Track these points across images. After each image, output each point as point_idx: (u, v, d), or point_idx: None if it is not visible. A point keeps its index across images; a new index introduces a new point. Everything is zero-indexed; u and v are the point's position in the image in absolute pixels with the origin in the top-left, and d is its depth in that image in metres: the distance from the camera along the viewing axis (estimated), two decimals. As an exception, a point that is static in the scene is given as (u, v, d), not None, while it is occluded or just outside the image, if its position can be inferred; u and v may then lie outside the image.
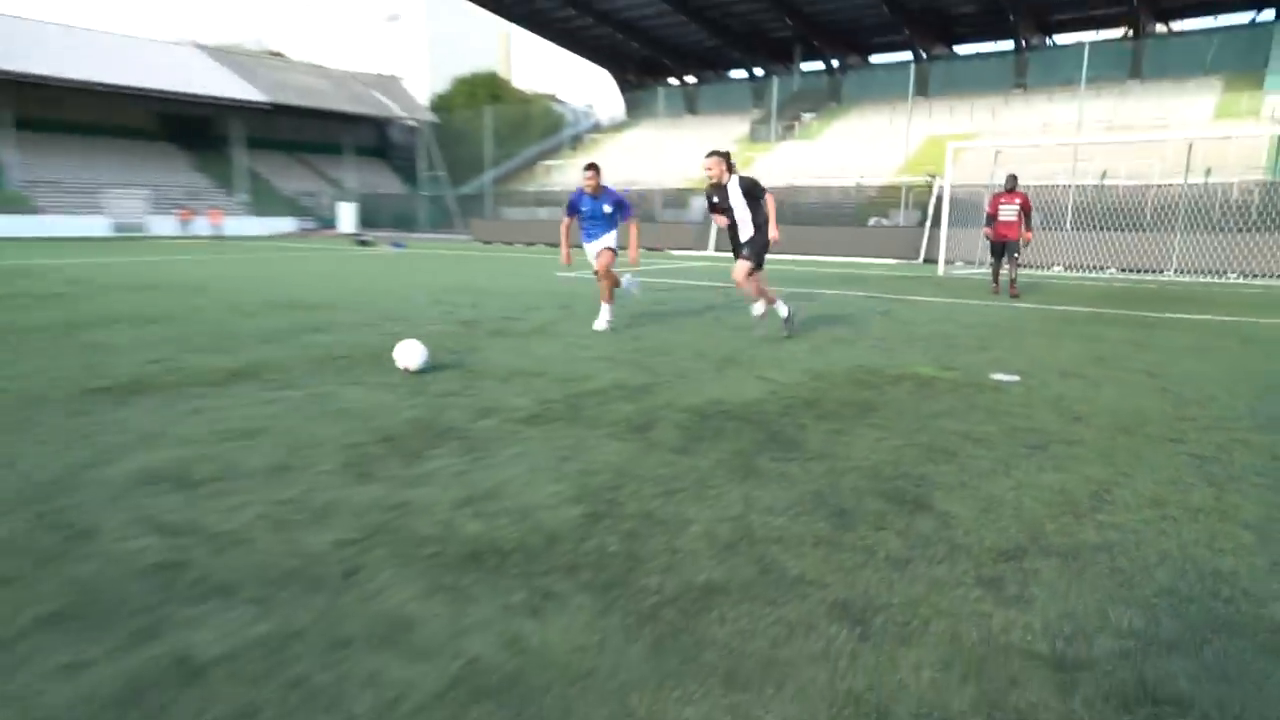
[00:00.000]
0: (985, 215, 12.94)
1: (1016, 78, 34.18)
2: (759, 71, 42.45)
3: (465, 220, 37.09)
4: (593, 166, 7.68)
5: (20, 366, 5.16)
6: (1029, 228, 12.37)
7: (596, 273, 7.95)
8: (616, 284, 7.98)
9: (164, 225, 34.78)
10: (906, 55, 38.22)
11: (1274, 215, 18.10)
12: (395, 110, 45.34)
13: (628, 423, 4.04)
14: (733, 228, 7.10)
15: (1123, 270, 18.06)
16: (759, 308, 7.30)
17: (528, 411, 4.16)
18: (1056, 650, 1.73)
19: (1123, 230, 18.84)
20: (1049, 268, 18.54)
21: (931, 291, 12.87)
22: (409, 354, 4.97)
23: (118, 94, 36.85)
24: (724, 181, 6.99)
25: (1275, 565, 2.25)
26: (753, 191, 7.11)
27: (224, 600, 1.91)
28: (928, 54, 37.75)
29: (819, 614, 1.88)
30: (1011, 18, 33.30)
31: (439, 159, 42.38)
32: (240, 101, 39.29)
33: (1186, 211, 18.62)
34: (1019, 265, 12.51)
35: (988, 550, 2.31)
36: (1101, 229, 19.08)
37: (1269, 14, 29.10)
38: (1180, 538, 2.45)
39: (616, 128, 43.86)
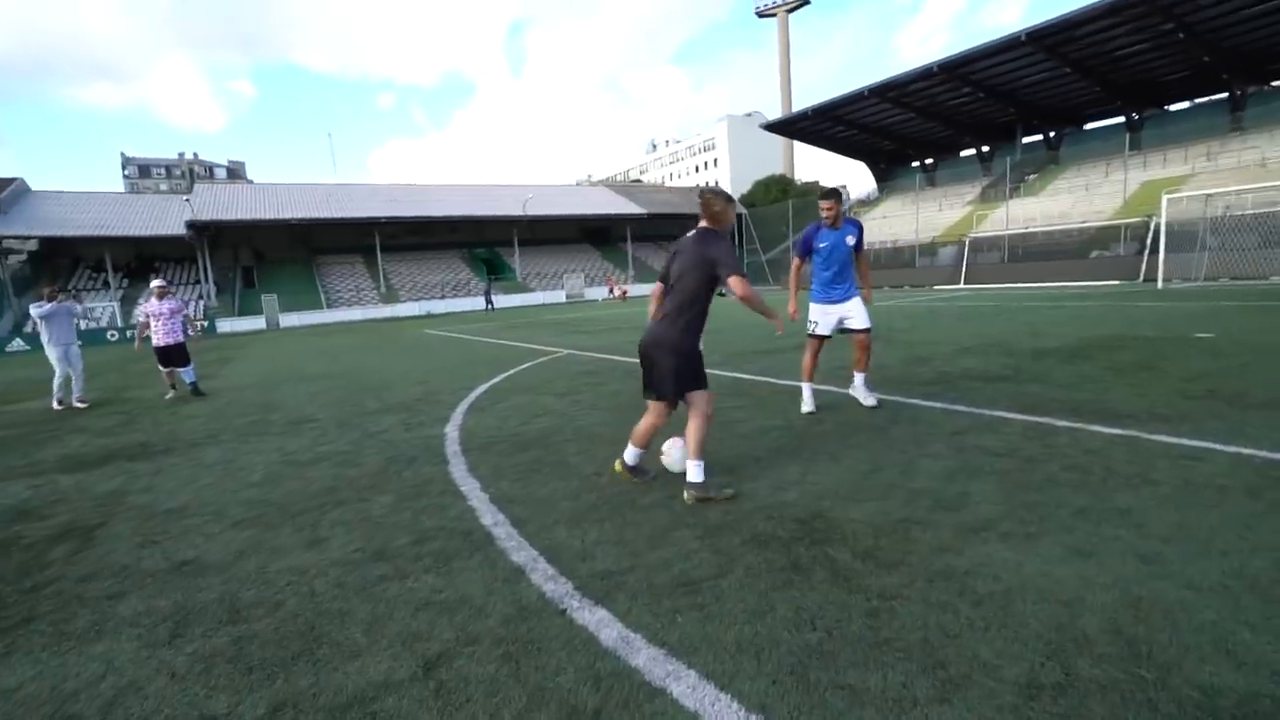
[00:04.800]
0: None
1: (1232, 122, 30.56)
2: (985, 148, 41.54)
3: (774, 274, 41.58)
4: (833, 193, 4.64)
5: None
6: None
7: (822, 339, 4.93)
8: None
9: (596, 293, 42.98)
10: (1119, 118, 35.59)
11: None
12: (716, 207, 51.66)
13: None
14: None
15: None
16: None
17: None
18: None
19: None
20: (1268, 277, 18.10)
21: (1155, 298, 14.22)
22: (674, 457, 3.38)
23: (565, 219, 47.12)
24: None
25: None
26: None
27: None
28: (1140, 114, 34.81)
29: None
30: (1224, 75, 30.16)
31: (755, 235, 47.38)
32: (628, 215, 47.96)
33: None
34: None
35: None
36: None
37: None
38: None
39: (871, 202, 45.32)
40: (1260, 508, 2.73)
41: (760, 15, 75.68)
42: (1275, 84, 30.61)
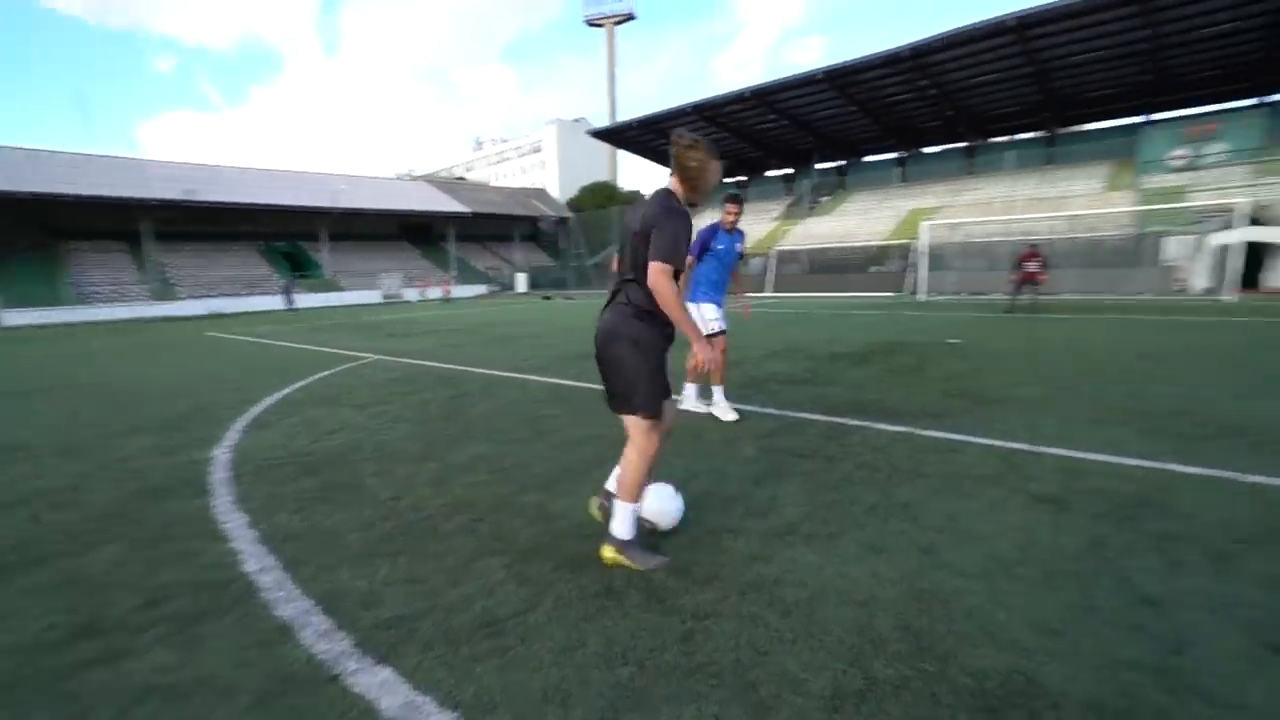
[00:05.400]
0: (1015, 263, 14.18)
1: (967, 167, 37.32)
2: (788, 170, 46.04)
3: (600, 279, 42.10)
4: (738, 198, 4.70)
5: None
6: (1043, 271, 13.85)
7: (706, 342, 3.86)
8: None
9: (410, 294, 40.41)
10: (891, 155, 41.49)
11: (1133, 256, 21.58)
12: (545, 210, 51.19)
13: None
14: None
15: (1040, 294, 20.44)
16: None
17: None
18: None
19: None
20: (990, 294, 22.16)
21: (917, 308, 16.61)
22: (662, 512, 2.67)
23: (382, 215, 43.46)
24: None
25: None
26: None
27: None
28: (906, 153, 40.98)
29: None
30: (960, 129, 36.66)
31: (581, 240, 47.54)
32: (451, 213, 45.61)
33: (1075, 255, 22.23)
34: (1038, 295, 14.10)
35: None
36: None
37: (1139, 118, 32.06)
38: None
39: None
40: (1003, 493, 3.13)
41: (589, 24, 76.91)
42: (993, 140, 37.95)
